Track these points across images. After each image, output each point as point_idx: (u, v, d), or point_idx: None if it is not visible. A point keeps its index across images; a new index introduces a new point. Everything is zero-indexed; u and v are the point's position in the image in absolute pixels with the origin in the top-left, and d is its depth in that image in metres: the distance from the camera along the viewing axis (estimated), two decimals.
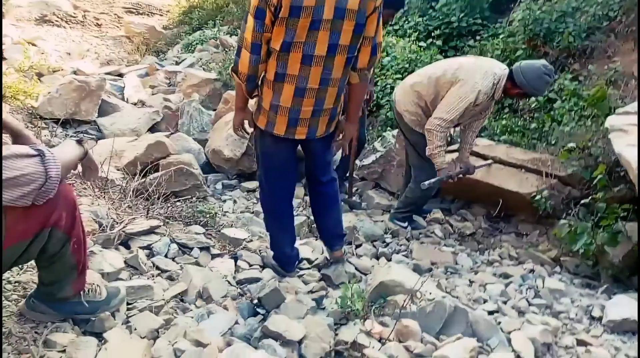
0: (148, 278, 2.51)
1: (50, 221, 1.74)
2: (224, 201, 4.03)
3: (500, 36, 5.47)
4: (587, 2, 5.10)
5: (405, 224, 3.73)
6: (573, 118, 4.15)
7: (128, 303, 2.23)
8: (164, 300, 2.34)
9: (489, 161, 3.98)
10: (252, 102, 2.58)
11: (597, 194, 3.19)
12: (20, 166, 1.54)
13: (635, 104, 3.54)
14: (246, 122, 2.63)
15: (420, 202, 3.79)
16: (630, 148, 2.87)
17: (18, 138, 1.85)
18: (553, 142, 4.13)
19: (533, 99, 4.68)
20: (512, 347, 2.05)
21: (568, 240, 3.12)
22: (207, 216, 3.33)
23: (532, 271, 2.95)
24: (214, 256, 2.94)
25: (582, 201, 3.33)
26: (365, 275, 2.94)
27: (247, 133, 2.70)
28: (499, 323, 2.26)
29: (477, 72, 3.32)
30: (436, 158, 3.40)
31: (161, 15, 10.98)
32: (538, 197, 3.56)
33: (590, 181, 3.38)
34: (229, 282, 2.67)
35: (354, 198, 4.36)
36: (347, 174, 4.60)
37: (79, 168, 1.95)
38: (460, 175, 3.60)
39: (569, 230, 3.13)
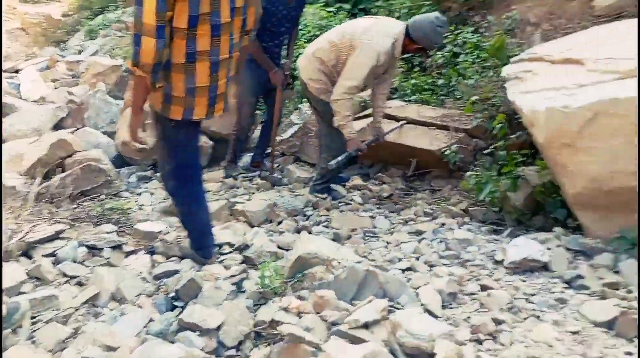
0: (54, 287, 2.41)
1: None
2: (139, 194, 3.90)
3: None
4: None
5: (325, 195, 3.76)
6: (476, 71, 4.29)
7: (32, 317, 2.13)
8: (73, 308, 2.26)
9: (399, 124, 4.06)
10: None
11: (499, 143, 3.34)
12: None
13: (530, 50, 3.70)
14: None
15: (335, 172, 3.83)
16: (523, 95, 3.00)
17: None
18: (459, 96, 4.27)
19: (439, 54, 4.79)
20: (421, 301, 2.14)
21: (475, 190, 3.26)
22: (119, 212, 3.22)
23: (443, 225, 3.07)
24: (127, 254, 2.85)
25: (487, 151, 3.48)
26: (287, 251, 2.95)
27: (147, 143, 2.51)
28: (409, 280, 2.35)
29: (374, 34, 3.34)
30: (344, 128, 3.43)
31: (59, 1, 10.28)
32: (448, 152, 3.69)
33: (492, 131, 3.53)
34: (144, 279, 2.61)
35: (275, 174, 4.35)
36: (267, 151, 4.59)
37: None
38: (372, 144, 3.67)
39: (475, 180, 3.28)
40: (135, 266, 2.68)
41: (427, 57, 4.74)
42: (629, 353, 1.83)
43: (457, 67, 4.56)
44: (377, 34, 3.33)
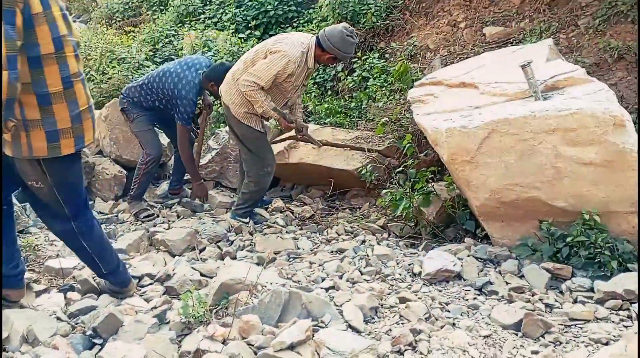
0: None
1: None
2: None
3: (314, 22, 5.73)
4: None
5: (247, 219, 3.78)
6: (384, 94, 4.54)
7: None
8: None
9: (319, 141, 4.18)
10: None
11: (409, 162, 3.55)
12: None
13: (430, 75, 3.98)
14: None
15: (257, 196, 3.86)
16: (426, 116, 3.23)
17: None
18: (371, 118, 4.48)
19: (350, 79, 5.01)
20: (344, 318, 2.21)
21: (391, 207, 3.43)
22: (27, 250, 3.03)
23: (363, 242, 3.20)
24: (38, 293, 2.69)
25: (399, 170, 3.67)
26: (211, 278, 2.92)
27: None
28: (333, 298, 2.42)
29: (284, 44, 3.46)
30: (269, 112, 3.48)
31: None
32: (363, 171, 3.86)
33: (403, 150, 3.74)
34: (58, 318, 2.47)
35: (197, 201, 4.29)
36: (186, 177, 4.52)
37: None
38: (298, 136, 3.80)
39: (391, 197, 3.45)
40: (47, 305, 2.53)
41: (347, 70, 4.93)
42: (535, 352, 2.02)
43: (367, 90, 4.80)
44: (287, 44, 3.45)
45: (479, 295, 2.48)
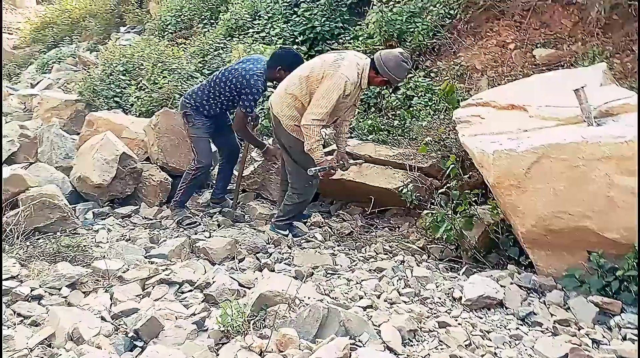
0: (8, 328, 2.31)
1: None
2: (97, 231, 3.82)
3: (360, 38, 5.77)
4: (431, 2, 5.55)
5: (287, 232, 3.80)
6: (429, 113, 4.52)
7: None
8: (27, 348, 2.18)
9: (360, 161, 4.19)
10: None
11: (452, 183, 3.50)
12: None
13: (477, 95, 3.93)
14: None
15: (299, 208, 3.89)
16: (472, 138, 3.18)
17: None
18: (414, 137, 4.46)
19: (394, 96, 5.01)
20: (382, 339, 2.19)
21: (432, 228, 3.38)
22: (75, 250, 3.14)
23: (402, 262, 3.16)
24: (86, 293, 2.78)
25: (442, 191, 3.63)
26: (249, 288, 2.95)
27: None
28: (371, 317, 2.40)
29: (342, 65, 3.49)
30: (315, 152, 3.53)
31: (10, 33, 10.08)
32: (405, 190, 3.82)
33: (446, 170, 3.70)
34: (103, 318, 2.55)
35: (238, 211, 4.36)
36: (229, 187, 4.60)
37: None
38: (338, 169, 3.78)
39: (432, 218, 3.40)
40: (93, 305, 2.61)
41: (392, 88, 4.93)
42: None
43: (411, 109, 4.78)
44: (344, 66, 3.48)
45: (521, 325, 2.41)
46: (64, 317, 2.42)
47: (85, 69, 7.07)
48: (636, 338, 2.29)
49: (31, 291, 2.63)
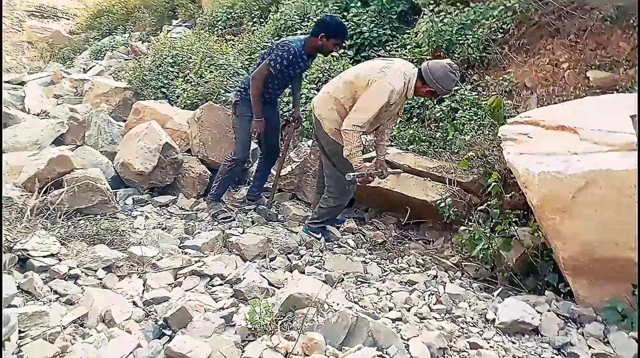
0: (44, 304, 2.38)
1: None
2: (135, 217, 3.89)
3: (408, 47, 5.71)
4: (483, 15, 5.45)
5: (319, 235, 3.79)
6: (473, 127, 4.42)
7: (20, 331, 2.10)
8: (61, 326, 2.23)
9: (399, 170, 4.15)
10: None
11: (492, 201, 3.41)
12: None
13: (526, 113, 3.83)
14: None
15: (334, 212, 3.87)
16: (518, 156, 3.10)
17: None
18: (456, 150, 4.38)
19: (438, 108, 4.94)
20: (410, 354, 2.15)
21: (468, 246, 3.31)
22: (114, 234, 3.21)
23: (435, 277, 3.10)
24: (120, 277, 2.83)
25: (481, 208, 3.55)
26: (278, 288, 2.95)
27: None
28: (400, 330, 2.36)
29: (389, 74, 3.45)
30: (354, 157, 3.50)
31: (67, 19, 10.44)
32: (442, 204, 3.75)
33: (487, 187, 3.61)
34: (135, 303, 2.59)
35: (272, 210, 4.37)
36: (265, 185, 4.63)
37: None
38: (376, 176, 3.74)
39: (469, 235, 3.33)
40: (126, 289, 2.66)
41: (437, 99, 4.86)
42: None
43: (455, 122, 4.70)
44: (391, 74, 3.44)
45: (557, 354, 2.32)
46: (97, 298, 2.47)
47: (135, 59, 7.25)
48: None
49: (69, 270, 2.69)
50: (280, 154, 4.41)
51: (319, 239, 3.75)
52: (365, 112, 3.42)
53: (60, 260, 2.75)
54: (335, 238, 3.83)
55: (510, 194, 3.48)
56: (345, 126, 3.46)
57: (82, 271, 2.73)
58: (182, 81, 5.99)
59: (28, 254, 2.67)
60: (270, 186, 4.59)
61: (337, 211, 3.91)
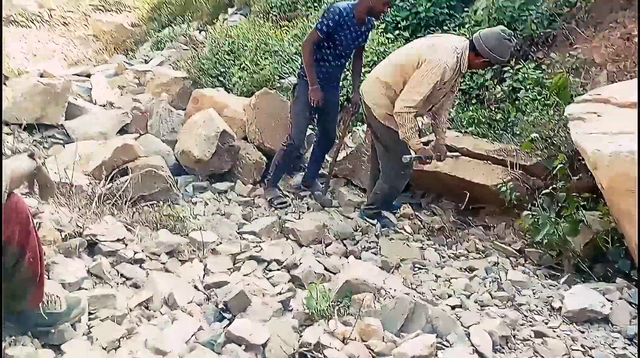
0: (112, 287, 2.50)
1: (3, 236, 1.72)
2: (195, 203, 4.01)
3: (466, 26, 5.50)
4: None
5: (375, 221, 3.75)
6: (536, 107, 4.21)
7: (90, 313, 2.21)
8: (127, 308, 2.33)
9: (458, 154, 4.02)
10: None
11: (558, 184, 3.25)
12: None
13: (595, 91, 3.61)
14: None
15: (389, 199, 3.82)
16: (586, 136, 2.93)
17: None
18: (518, 132, 4.19)
19: (499, 89, 4.73)
20: (471, 341, 2.09)
21: (532, 231, 3.17)
22: (175, 219, 3.32)
23: (496, 263, 3.00)
24: (183, 262, 2.93)
25: (545, 191, 3.39)
26: (334, 274, 2.96)
27: None
28: (460, 317, 2.30)
29: (440, 50, 3.31)
30: (410, 139, 3.41)
31: (129, 12, 10.81)
32: (504, 188, 3.61)
33: (552, 170, 3.45)
34: (196, 287, 2.67)
35: (327, 196, 4.38)
36: (320, 171, 4.63)
37: (36, 188, 1.93)
38: (434, 159, 3.62)
39: (532, 220, 3.19)
40: (188, 274, 2.75)
41: (497, 80, 4.66)
42: None
43: (517, 102, 4.49)
44: (442, 50, 3.30)
45: (629, 345, 2.19)
46: (161, 282, 2.56)
47: (193, 48, 7.41)
48: None
49: (134, 254, 2.81)
50: (337, 141, 4.38)
51: (375, 225, 3.72)
52: (418, 93, 3.30)
53: (126, 245, 2.87)
54: (392, 224, 3.78)
55: (577, 177, 3.30)
56: (397, 109, 3.37)
57: (147, 256, 2.84)
58: (238, 69, 6.06)
59: (96, 239, 2.80)
60: (325, 173, 4.59)
61: (392, 197, 3.85)
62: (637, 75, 3.21)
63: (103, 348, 2.01)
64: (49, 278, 2.27)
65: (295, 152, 4.28)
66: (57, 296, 2.08)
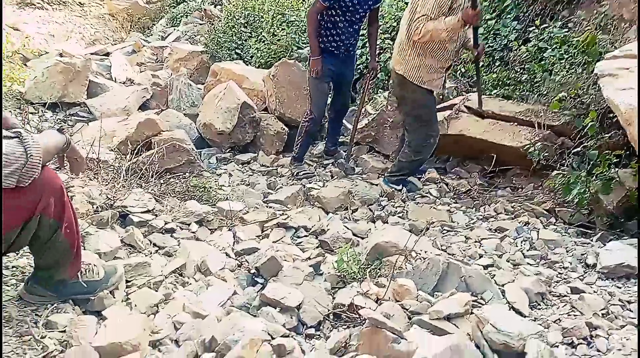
0: (146, 256, 2.54)
1: (38, 208, 1.75)
2: (219, 175, 4.03)
3: None
4: None
5: (400, 186, 3.73)
6: (564, 66, 4.09)
7: (127, 281, 2.26)
8: (162, 275, 2.37)
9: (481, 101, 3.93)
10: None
11: (589, 142, 3.18)
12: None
13: (626, 47, 3.49)
14: None
15: (414, 166, 3.77)
16: (619, 92, 2.84)
17: None
18: (545, 92, 4.09)
19: (523, 48, 4.60)
20: (506, 299, 2.08)
21: (562, 190, 3.11)
22: (202, 190, 3.34)
23: (527, 223, 2.96)
24: (212, 230, 2.96)
25: (575, 150, 3.32)
26: (362, 238, 2.96)
27: None
28: (493, 276, 2.29)
29: None
30: (453, 25, 3.27)
31: None
32: (531, 149, 3.54)
33: (582, 129, 3.36)
34: (227, 254, 2.70)
35: (349, 163, 4.36)
36: (341, 139, 4.61)
37: (66, 163, 1.96)
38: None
39: (562, 180, 3.13)
40: (218, 241, 2.78)
41: (522, 40, 4.51)
42: None
43: (543, 62, 4.37)
44: None
45: None
46: (193, 250, 2.60)
47: (210, 22, 7.36)
48: None
49: (165, 224, 2.85)
50: (357, 108, 4.34)
51: (400, 190, 3.69)
52: (424, 14, 3.25)
53: (156, 216, 2.91)
54: (417, 189, 3.75)
55: (609, 135, 3.21)
56: (415, 36, 3.30)
57: (177, 226, 2.88)
58: (256, 41, 6.01)
59: (127, 210, 2.84)
60: (347, 141, 4.56)
61: (418, 164, 3.81)
62: (637, 76, 3.09)
63: (142, 312, 2.05)
64: (84, 249, 2.32)
65: (317, 125, 4.23)
66: (94, 265, 2.13)
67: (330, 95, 4.33)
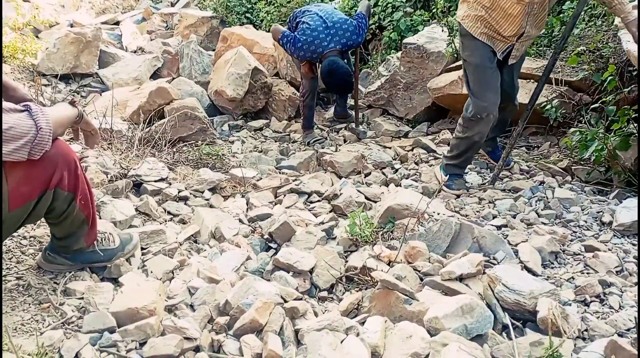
0: (160, 223, 2.57)
1: (53, 181, 1.77)
2: (232, 142, 4.04)
3: None
4: None
5: (446, 176, 3.09)
6: (583, 19, 3.94)
7: (142, 249, 2.30)
8: (177, 242, 2.41)
9: None
10: None
11: (608, 98, 3.08)
12: (9, 120, 1.55)
13: None
14: None
15: (465, 147, 3.02)
16: None
17: (9, 94, 1.86)
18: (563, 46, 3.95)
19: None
20: (519, 258, 2.07)
21: (579, 148, 3.05)
22: (215, 158, 3.36)
23: (542, 183, 2.92)
24: (225, 197, 2.98)
25: (593, 107, 3.23)
26: (375, 202, 2.95)
27: None
28: (506, 236, 2.28)
29: None
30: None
31: None
32: (548, 107, 3.45)
33: (601, 84, 3.26)
34: (240, 220, 2.72)
35: (360, 127, 4.31)
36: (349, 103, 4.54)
37: (81, 137, 1.96)
38: None
39: (579, 137, 3.06)
40: (231, 208, 2.80)
41: None
42: None
43: (561, 15, 4.21)
44: None
45: None
46: (207, 216, 2.62)
47: None
48: None
49: (178, 192, 2.87)
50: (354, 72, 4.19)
51: (455, 189, 3.05)
52: None
53: (170, 184, 2.94)
54: (459, 188, 3.04)
55: (628, 89, 3.11)
56: None
57: (191, 193, 2.90)
58: (265, 4, 5.90)
59: (141, 179, 2.87)
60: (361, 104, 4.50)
61: (467, 144, 2.99)
62: (637, 79, 2.89)
63: (158, 278, 2.10)
64: (100, 218, 2.36)
65: (313, 96, 4.08)
66: (109, 233, 2.16)
67: None
